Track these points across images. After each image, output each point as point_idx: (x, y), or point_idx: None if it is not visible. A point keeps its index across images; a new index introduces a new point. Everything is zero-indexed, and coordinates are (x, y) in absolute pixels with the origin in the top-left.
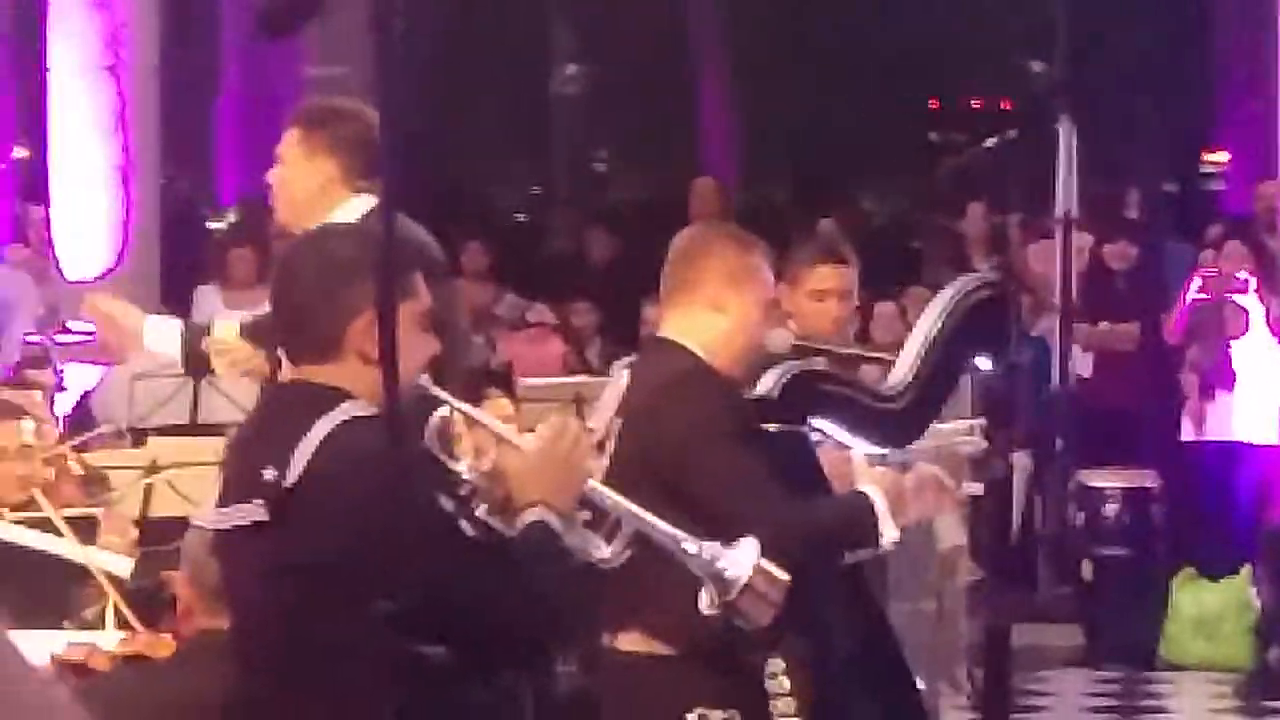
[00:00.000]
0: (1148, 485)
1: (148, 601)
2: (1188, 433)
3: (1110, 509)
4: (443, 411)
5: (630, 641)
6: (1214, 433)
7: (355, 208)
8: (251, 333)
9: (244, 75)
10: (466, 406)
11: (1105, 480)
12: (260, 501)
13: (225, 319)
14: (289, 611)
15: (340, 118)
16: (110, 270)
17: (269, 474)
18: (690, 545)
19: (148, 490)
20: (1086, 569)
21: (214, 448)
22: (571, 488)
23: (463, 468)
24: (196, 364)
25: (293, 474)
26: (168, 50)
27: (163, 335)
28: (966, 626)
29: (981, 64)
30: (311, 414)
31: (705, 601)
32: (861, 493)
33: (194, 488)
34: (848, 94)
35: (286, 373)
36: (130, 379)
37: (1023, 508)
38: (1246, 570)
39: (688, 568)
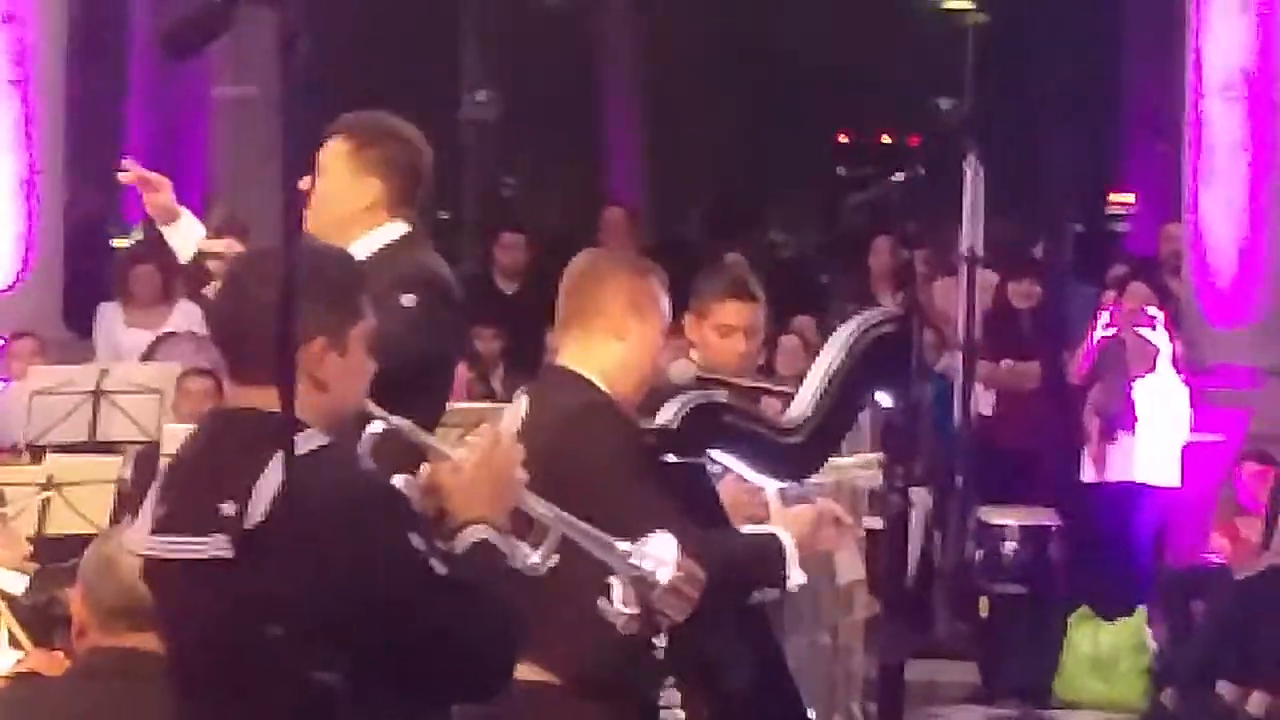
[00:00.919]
0: (1047, 523)
1: (41, 619)
2: (1089, 473)
3: (1009, 546)
4: (374, 428)
5: (523, 671)
6: (1115, 473)
7: (387, 233)
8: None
9: (151, 93)
10: (399, 420)
11: (1005, 518)
12: (222, 537)
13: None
14: (244, 646)
15: (392, 138)
16: (13, 284)
17: (228, 508)
18: (622, 544)
19: (44, 506)
20: (984, 605)
21: (111, 465)
22: (508, 500)
23: (399, 482)
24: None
25: (256, 510)
26: (75, 66)
27: (187, 228)
28: (862, 661)
29: (890, 99)
30: (268, 444)
31: (620, 601)
32: (772, 533)
33: (91, 505)
34: (757, 125)
35: (231, 395)
36: (29, 395)
37: (922, 543)
38: (1142, 610)
39: (611, 568)
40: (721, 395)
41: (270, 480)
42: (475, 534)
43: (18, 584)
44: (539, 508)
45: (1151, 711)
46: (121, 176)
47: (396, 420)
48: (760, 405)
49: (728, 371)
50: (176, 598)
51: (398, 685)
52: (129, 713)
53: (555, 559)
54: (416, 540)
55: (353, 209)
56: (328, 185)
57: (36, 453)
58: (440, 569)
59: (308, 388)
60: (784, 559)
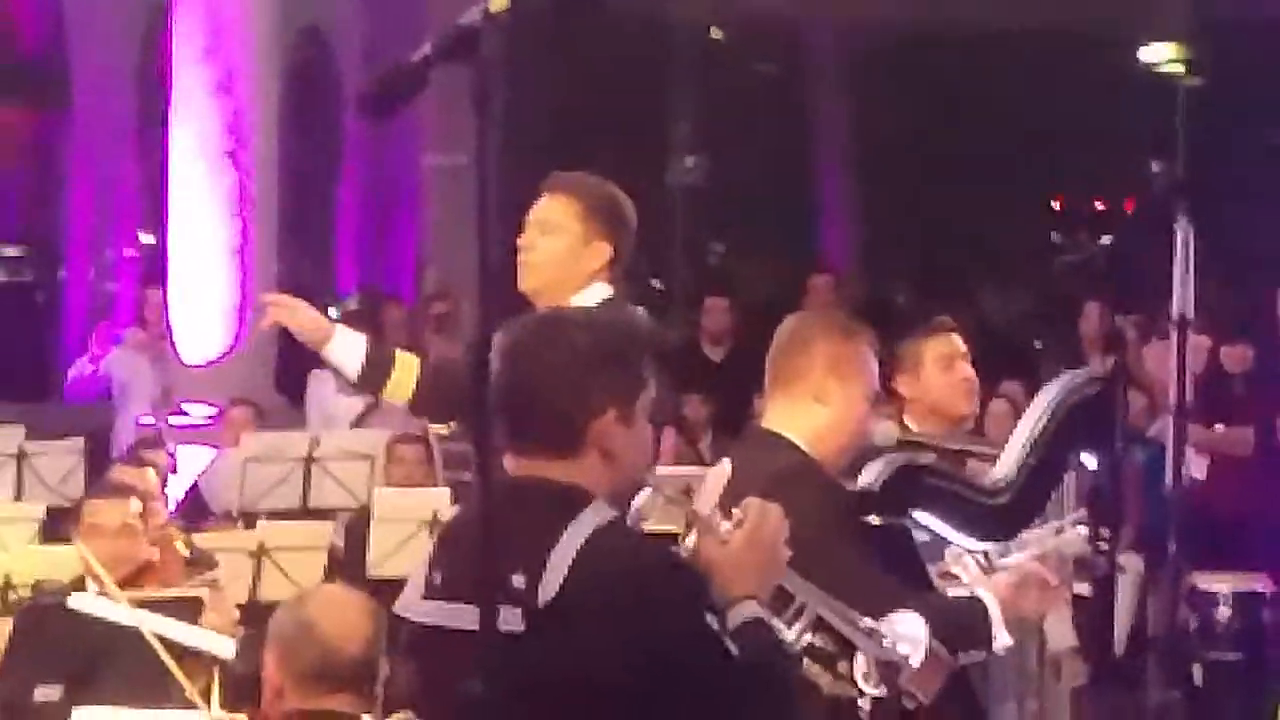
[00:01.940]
0: (1260, 589)
1: (251, 684)
2: None
3: (1222, 613)
4: (643, 495)
5: None
6: None
7: (594, 294)
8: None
9: (364, 162)
10: (670, 490)
11: (1218, 584)
12: (513, 610)
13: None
14: None
15: (620, 203)
16: (227, 353)
17: (518, 580)
18: (873, 624)
19: (256, 572)
20: (1197, 673)
21: (323, 531)
22: (774, 577)
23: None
24: (370, 381)
25: (549, 584)
26: (288, 136)
27: (348, 344)
28: None
29: (1104, 164)
30: (557, 517)
31: (864, 681)
32: (976, 596)
33: (302, 571)
34: (971, 192)
35: (513, 466)
36: (242, 462)
37: (1134, 610)
38: None
39: (862, 649)
40: (925, 457)
41: (564, 553)
42: (747, 612)
43: (228, 649)
44: (797, 584)
45: None
46: (257, 310)
47: (669, 491)
48: (966, 468)
49: (965, 404)
50: (449, 667)
51: None
52: None
53: (809, 636)
54: (712, 620)
55: (584, 270)
56: (559, 244)
57: (250, 519)
58: (734, 649)
59: (596, 460)
60: (989, 622)
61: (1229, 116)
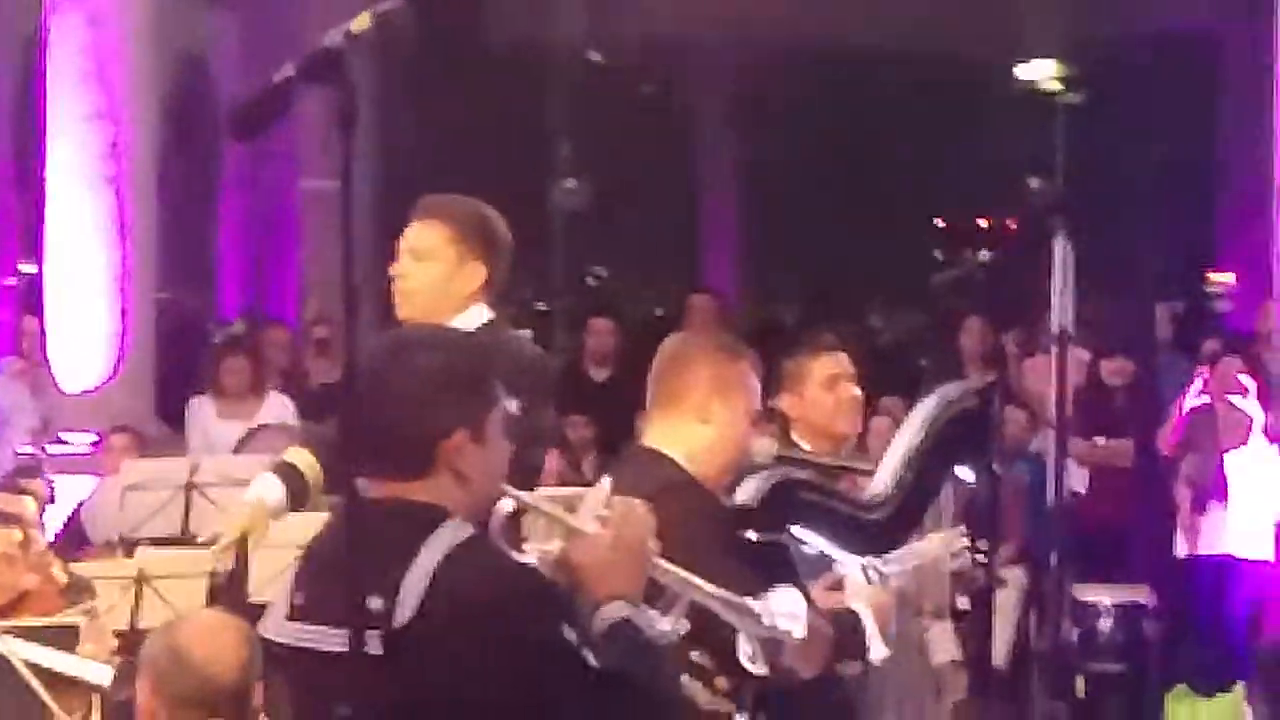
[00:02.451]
0: (1142, 601)
1: (129, 711)
2: (1181, 547)
3: (1104, 624)
4: (506, 506)
5: None
6: (1207, 547)
7: (474, 317)
8: (316, 453)
9: (244, 188)
10: (528, 496)
11: (1100, 595)
12: (370, 632)
13: (227, 426)
14: None
15: (492, 224)
16: (107, 381)
17: (375, 603)
18: (753, 603)
19: (135, 601)
20: (1080, 685)
21: (203, 559)
22: (644, 573)
23: (531, 559)
24: (300, 498)
25: (406, 605)
26: (167, 162)
27: (267, 486)
28: None
29: (986, 183)
30: (413, 537)
31: (748, 660)
32: (850, 609)
33: (183, 599)
34: (856, 212)
35: (369, 488)
36: (122, 490)
37: (1017, 623)
38: (1241, 687)
39: (743, 629)
40: (801, 472)
41: (420, 573)
42: (616, 612)
43: (106, 676)
44: (669, 574)
45: None
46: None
47: (528, 497)
48: (844, 483)
49: (849, 424)
50: (312, 687)
51: None
52: None
53: (686, 625)
54: (569, 633)
55: (460, 294)
56: (432, 270)
57: (130, 548)
58: (592, 662)
59: (450, 480)
60: (863, 633)
61: (1108, 132)
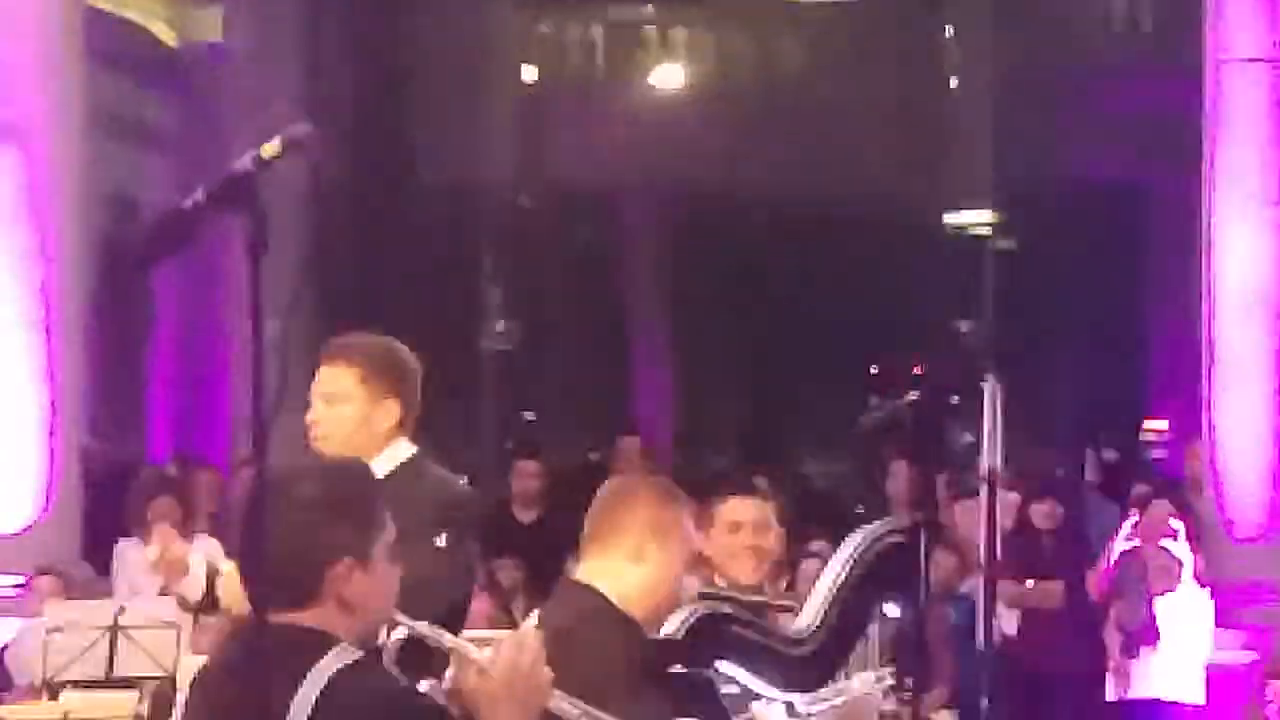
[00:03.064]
0: None
1: None
2: (1112, 691)
3: None
4: (399, 634)
5: None
6: (1139, 691)
7: (399, 451)
8: None
9: (175, 329)
10: (423, 626)
11: None
12: None
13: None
14: None
15: (399, 359)
16: (32, 524)
17: None
18: None
19: None
20: None
21: (128, 702)
22: (537, 702)
23: (426, 688)
24: (209, 604)
25: None
26: (97, 304)
27: (197, 565)
28: None
29: (918, 327)
30: (299, 663)
31: None
32: None
33: None
34: (789, 357)
35: (257, 616)
36: (46, 632)
37: None
38: None
39: None
40: (726, 607)
41: (304, 699)
42: None
43: None
44: (565, 707)
45: None
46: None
47: (421, 626)
48: (769, 620)
49: (744, 571)
50: None
51: None
52: None
53: None
54: None
55: (374, 433)
56: (348, 413)
57: (54, 690)
58: None
59: (336, 607)
60: None
61: (1037, 277)
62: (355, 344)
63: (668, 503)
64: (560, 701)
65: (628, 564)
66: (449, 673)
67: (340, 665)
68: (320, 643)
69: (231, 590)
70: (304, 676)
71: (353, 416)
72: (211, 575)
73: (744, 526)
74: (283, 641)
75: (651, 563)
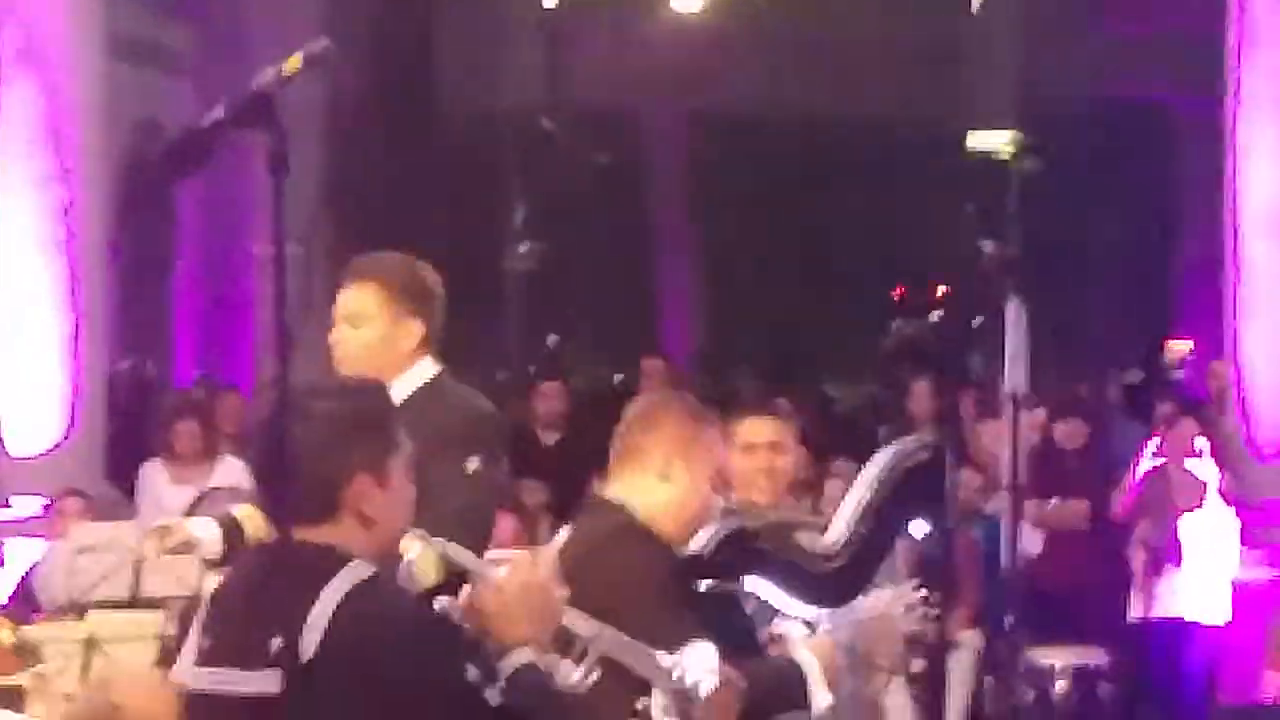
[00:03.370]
0: (1096, 663)
1: None
2: (1136, 610)
3: (1059, 687)
4: (413, 552)
5: None
6: (1162, 610)
7: (423, 371)
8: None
9: (199, 251)
10: (439, 542)
11: (1054, 658)
12: (272, 672)
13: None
14: None
15: (423, 277)
16: (57, 445)
17: (277, 643)
18: (664, 657)
19: (85, 664)
20: None
21: (153, 622)
22: (549, 620)
23: (441, 606)
24: (235, 546)
25: (308, 645)
26: (121, 227)
27: (204, 529)
28: None
29: (942, 250)
30: (315, 578)
31: (660, 712)
32: (792, 659)
33: (133, 662)
34: (812, 279)
35: (277, 534)
36: (72, 553)
37: (972, 686)
38: None
39: (656, 684)
40: (753, 524)
41: (322, 612)
42: (519, 658)
43: None
44: (580, 624)
45: None
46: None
47: (436, 541)
48: (795, 537)
49: (759, 492)
50: None
51: None
52: None
53: (596, 675)
54: (472, 672)
55: (400, 353)
56: (371, 333)
57: (80, 611)
58: (495, 699)
59: (354, 524)
60: (807, 683)
61: (1061, 198)
62: (378, 264)
63: (695, 421)
64: (575, 619)
65: (656, 482)
66: (464, 590)
67: (356, 581)
68: (337, 558)
69: (256, 525)
70: (320, 592)
71: (375, 337)
72: (227, 527)
73: (759, 448)
74: (300, 557)
75: (679, 481)
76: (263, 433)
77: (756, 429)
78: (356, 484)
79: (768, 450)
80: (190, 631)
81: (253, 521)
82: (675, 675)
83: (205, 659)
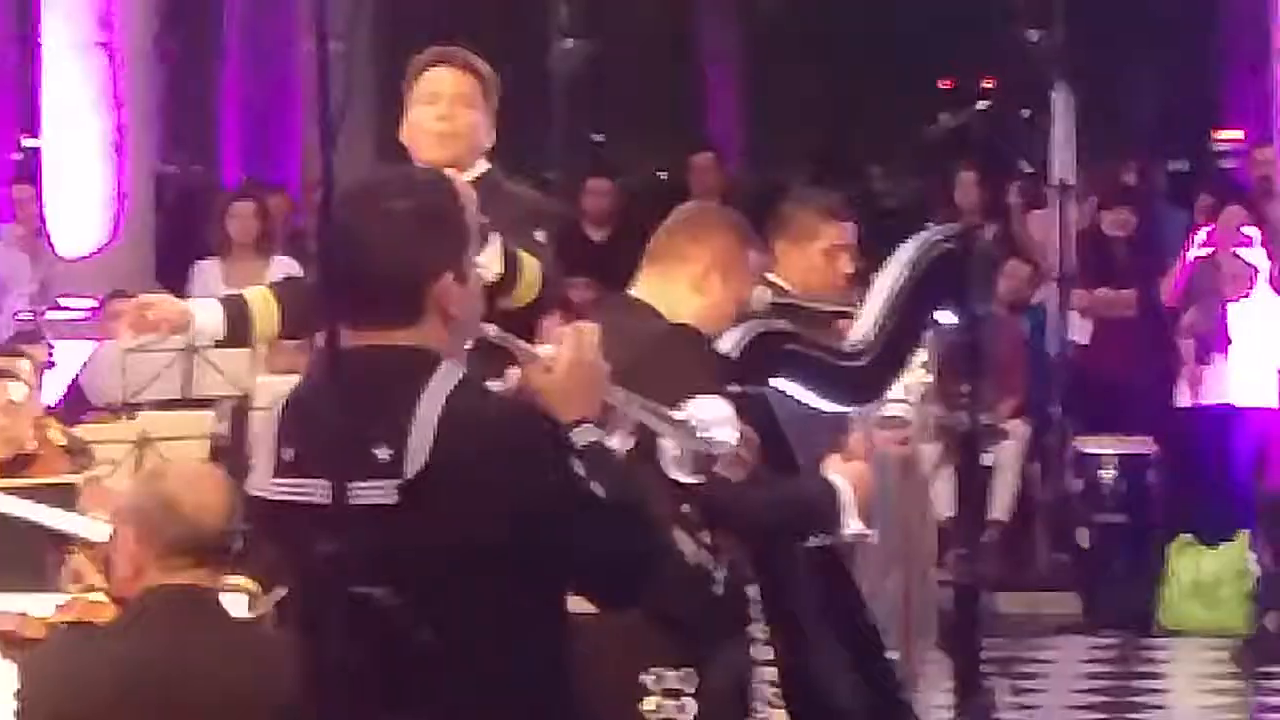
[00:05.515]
0: (1144, 451)
1: None
2: (1184, 398)
3: (1107, 475)
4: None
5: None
6: (1210, 397)
7: (483, 166)
8: (279, 294)
9: (244, 50)
10: (486, 326)
11: (1102, 447)
12: (382, 483)
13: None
14: (420, 594)
15: (498, 81)
16: (106, 246)
17: (383, 453)
18: (680, 415)
19: (137, 463)
20: (1084, 536)
21: (204, 420)
22: (600, 393)
23: (495, 389)
24: (239, 335)
25: (417, 454)
26: (166, 25)
27: (206, 312)
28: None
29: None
30: (410, 383)
31: (678, 466)
32: (829, 481)
33: (184, 460)
34: (857, 74)
35: (353, 338)
36: (122, 354)
37: (1020, 475)
38: (1244, 535)
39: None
40: (783, 324)
41: (426, 420)
42: (588, 436)
43: (104, 533)
44: (619, 395)
45: (1255, 636)
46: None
47: (489, 329)
48: (833, 328)
49: (833, 293)
50: (306, 542)
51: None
52: (196, 648)
53: (631, 442)
54: (577, 464)
55: (478, 146)
56: (474, 119)
57: (131, 411)
58: (600, 492)
59: (437, 324)
60: (839, 507)
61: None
62: (472, 57)
63: (741, 242)
64: (615, 392)
65: (687, 291)
66: (510, 372)
67: (453, 384)
68: (427, 362)
69: (266, 317)
70: (417, 398)
71: (480, 124)
72: (232, 311)
73: (844, 252)
74: (387, 362)
75: (710, 295)
76: (330, 232)
77: (843, 233)
78: (442, 282)
79: (849, 256)
80: (257, 439)
81: (262, 306)
82: (697, 432)
83: (289, 470)
